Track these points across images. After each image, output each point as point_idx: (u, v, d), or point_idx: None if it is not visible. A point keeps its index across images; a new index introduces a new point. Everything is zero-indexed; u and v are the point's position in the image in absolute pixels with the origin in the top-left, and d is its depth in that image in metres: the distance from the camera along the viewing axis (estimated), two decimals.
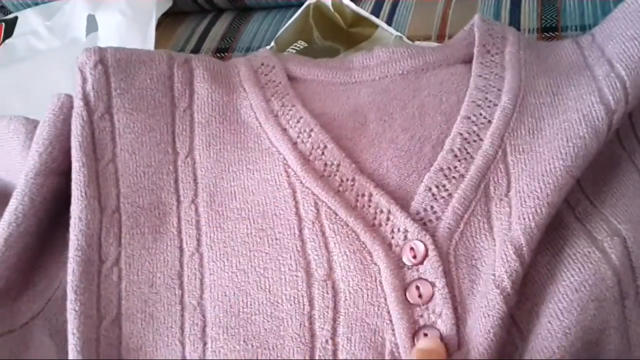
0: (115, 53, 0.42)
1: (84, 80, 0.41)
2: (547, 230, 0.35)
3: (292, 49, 0.51)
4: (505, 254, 0.33)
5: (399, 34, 0.53)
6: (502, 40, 0.44)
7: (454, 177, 0.37)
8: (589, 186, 0.37)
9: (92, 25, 0.56)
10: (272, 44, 0.52)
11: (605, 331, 0.32)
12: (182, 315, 0.36)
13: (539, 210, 0.34)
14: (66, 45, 0.56)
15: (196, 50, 0.59)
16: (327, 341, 0.34)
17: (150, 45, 0.53)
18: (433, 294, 0.34)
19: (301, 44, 0.52)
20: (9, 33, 0.64)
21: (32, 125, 0.42)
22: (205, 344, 0.35)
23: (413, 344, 0.33)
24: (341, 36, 0.53)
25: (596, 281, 0.33)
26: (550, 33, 0.55)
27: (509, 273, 0.32)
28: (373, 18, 0.54)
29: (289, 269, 0.36)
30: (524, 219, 0.34)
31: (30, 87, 0.53)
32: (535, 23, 0.56)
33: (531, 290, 0.33)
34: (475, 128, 0.39)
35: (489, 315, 0.32)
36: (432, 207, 0.37)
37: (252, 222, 0.38)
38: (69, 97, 0.41)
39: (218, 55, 0.59)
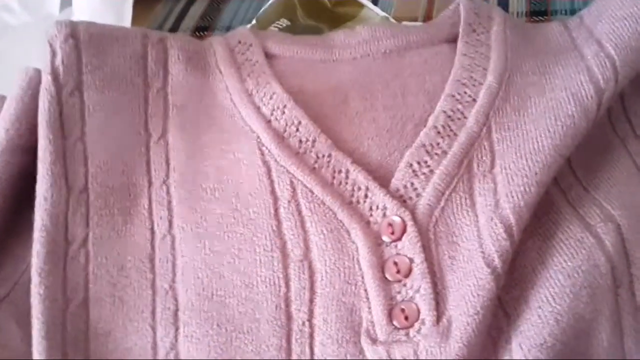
0: (88, 28, 0.41)
1: (54, 54, 0.39)
2: (538, 215, 0.34)
3: (275, 27, 0.50)
4: (495, 232, 0.32)
5: (385, 14, 0.52)
6: (488, 20, 0.43)
7: (436, 154, 0.36)
8: (581, 171, 0.37)
9: (66, 0, 0.55)
10: (254, 21, 0.51)
11: (598, 319, 0.31)
12: (154, 300, 0.34)
13: (527, 189, 0.33)
14: (39, 21, 0.55)
15: (174, 28, 0.58)
16: (303, 323, 0.33)
17: (126, 22, 0.52)
18: (411, 270, 0.33)
19: (284, 22, 0.50)
20: None
21: (0, 101, 0.41)
22: (177, 328, 0.33)
23: (390, 321, 0.32)
24: (325, 15, 0.51)
25: (589, 268, 0.32)
26: (540, 17, 0.54)
27: (500, 252, 0.32)
28: None
29: (264, 249, 0.34)
30: (512, 197, 0.33)
31: (1, 64, 0.51)
32: (524, 6, 0.55)
33: (521, 275, 0.33)
34: (459, 106, 0.38)
35: (478, 294, 0.31)
36: (412, 183, 0.36)
37: (225, 203, 0.36)
38: (38, 72, 0.39)
39: (197, 34, 0.57)
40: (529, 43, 0.42)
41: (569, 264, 0.32)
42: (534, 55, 0.41)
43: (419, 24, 0.51)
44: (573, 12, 0.52)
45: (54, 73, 0.38)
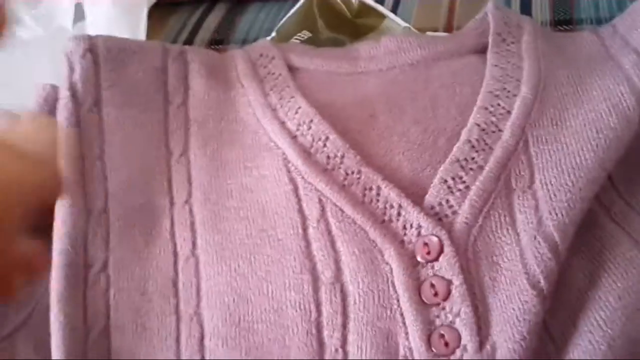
0: (106, 42, 0.40)
1: (72, 69, 0.38)
2: (581, 232, 0.32)
3: (296, 39, 0.49)
4: (539, 251, 0.31)
5: (407, 25, 0.50)
6: (517, 29, 0.42)
7: (471, 169, 0.35)
8: (623, 186, 0.35)
9: (79, 14, 0.54)
10: (273, 34, 0.49)
11: None
12: (178, 326, 0.33)
13: (571, 205, 0.32)
14: (51, 35, 0.54)
15: (189, 42, 0.56)
16: (336, 350, 0.31)
17: (141, 35, 0.50)
18: (450, 292, 0.31)
19: (305, 34, 0.49)
20: None
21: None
22: (203, 356, 0.32)
23: (429, 347, 0.30)
24: (347, 27, 0.50)
25: None
26: (565, 26, 0.52)
27: (545, 273, 0.30)
28: (380, 8, 0.52)
29: (293, 271, 0.33)
30: (556, 214, 0.32)
31: (13, 78, 0.50)
32: (548, 15, 0.53)
33: (567, 296, 0.31)
34: (493, 119, 0.36)
35: (524, 319, 0.29)
36: (447, 200, 0.34)
37: (251, 222, 0.35)
38: (55, 88, 0.38)
39: (213, 47, 0.56)
40: (560, 53, 0.41)
41: (619, 284, 0.30)
42: (567, 65, 0.40)
43: (443, 34, 0.50)
44: (599, 20, 0.51)
45: (72, 89, 0.37)
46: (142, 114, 0.38)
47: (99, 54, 0.39)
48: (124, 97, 0.38)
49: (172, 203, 0.36)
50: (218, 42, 0.56)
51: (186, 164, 0.37)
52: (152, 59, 0.40)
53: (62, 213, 0.34)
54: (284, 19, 0.50)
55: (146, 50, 0.40)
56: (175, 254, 0.35)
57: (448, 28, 0.53)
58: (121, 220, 0.35)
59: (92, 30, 0.52)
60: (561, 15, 0.53)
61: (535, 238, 0.31)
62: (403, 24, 0.50)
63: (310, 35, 0.49)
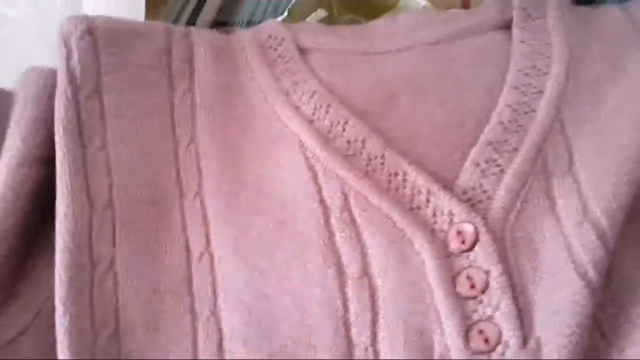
0: (106, 23, 0.36)
1: (69, 53, 0.35)
2: (629, 219, 0.30)
3: (311, 18, 0.46)
4: (586, 239, 0.28)
5: (427, 3, 0.47)
6: (542, 3, 0.39)
7: (505, 151, 0.32)
8: None
9: None
10: (285, 14, 0.46)
11: None
12: (194, 327, 0.30)
13: (618, 189, 0.29)
14: (41, 13, 0.50)
15: (190, 23, 0.53)
16: (366, 349, 0.29)
17: (140, 17, 0.47)
18: (488, 284, 0.29)
19: (322, 13, 0.46)
20: None
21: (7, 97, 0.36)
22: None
23: (467, 344, 0.28)
24: (362, 6, 0.47)
25: None
26: (588, 4, 0.50)
27: (594, 262, 0.28)
28: None
29: (317, 266, 0.30)
30: (602, 198, 0.29)
31: (1, 59, 0.47)
32: None
33: (618, 290, 0.29)
34: (525, 99, 0.34)
35: (573, 312, 0.27)
36: (481, 184, 0.32)
37: (268, 215, 0.32)
38: (53, 72, 0.35)
39: (215, 29, 0.53)
40: (588, 28, 0.39)
41: None
42: (596, 40, 0.37)
43: (463, 11, 0.47)
44: None
45: (70, 75, 0.34)
46: (147, 101, 0.35)
47: (99, 37, 0.36)
48: (127, 83, 0.35)
49: (181, 195, 0.34)
50: (222, 23, 0.54)
51: (195, 153, 0.35)
52: (155, 41, 0.37)
53: (63, 208, 0.31)
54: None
55: (149, 31, 0.37)
56: (187, 249, 0.32)
57: (464, 7, 0.51)
58: (127, 214, 0.32)
59: (85, 9, 0.49)
60: None
61: (581, 224, 0.29)
62: (422, 2, 0.47)
63: (326, 14, 0.46)
